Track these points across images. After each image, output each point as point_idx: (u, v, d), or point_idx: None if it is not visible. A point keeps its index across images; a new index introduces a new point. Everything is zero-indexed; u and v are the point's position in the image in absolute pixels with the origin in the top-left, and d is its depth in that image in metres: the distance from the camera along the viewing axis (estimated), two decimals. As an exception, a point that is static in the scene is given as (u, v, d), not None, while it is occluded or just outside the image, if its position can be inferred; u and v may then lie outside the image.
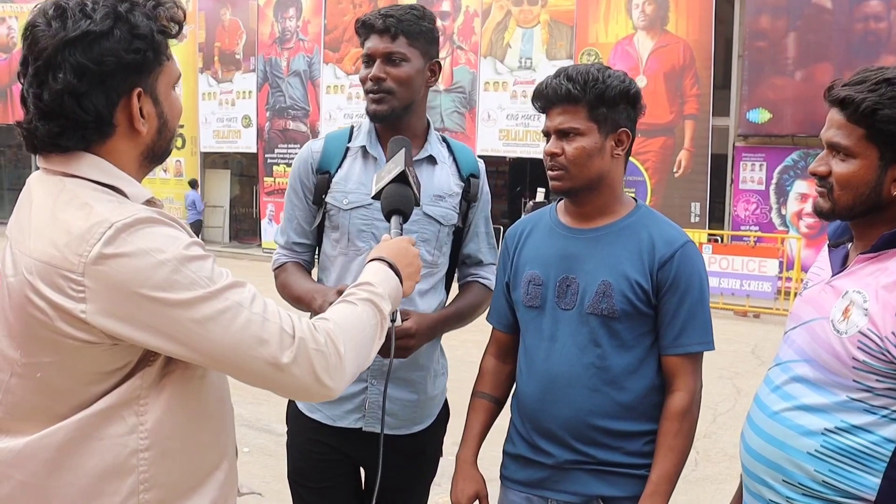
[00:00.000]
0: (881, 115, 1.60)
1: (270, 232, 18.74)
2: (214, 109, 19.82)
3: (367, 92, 2.23)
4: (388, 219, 1.93)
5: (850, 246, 1.78)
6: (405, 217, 1.93)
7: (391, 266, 1.67)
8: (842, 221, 1.80)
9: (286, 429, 2.41)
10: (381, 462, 1.82)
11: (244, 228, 21.10)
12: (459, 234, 2.38)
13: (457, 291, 2.44)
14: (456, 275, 2.46)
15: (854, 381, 1.62)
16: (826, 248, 1.87)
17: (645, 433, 2.01)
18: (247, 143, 19.44)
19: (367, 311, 1.53)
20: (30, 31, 1.35)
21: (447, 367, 2.46)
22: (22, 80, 1.38)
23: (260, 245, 19.10)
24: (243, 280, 1.40)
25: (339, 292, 1.80)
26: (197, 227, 18.02)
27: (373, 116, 2.24)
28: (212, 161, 20.96)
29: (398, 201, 1.92)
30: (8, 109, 23.46)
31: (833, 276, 1.76)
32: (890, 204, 1.66)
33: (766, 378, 1.85)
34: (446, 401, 2.46)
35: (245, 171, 21.19)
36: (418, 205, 1.99)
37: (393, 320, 1.62)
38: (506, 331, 2.22)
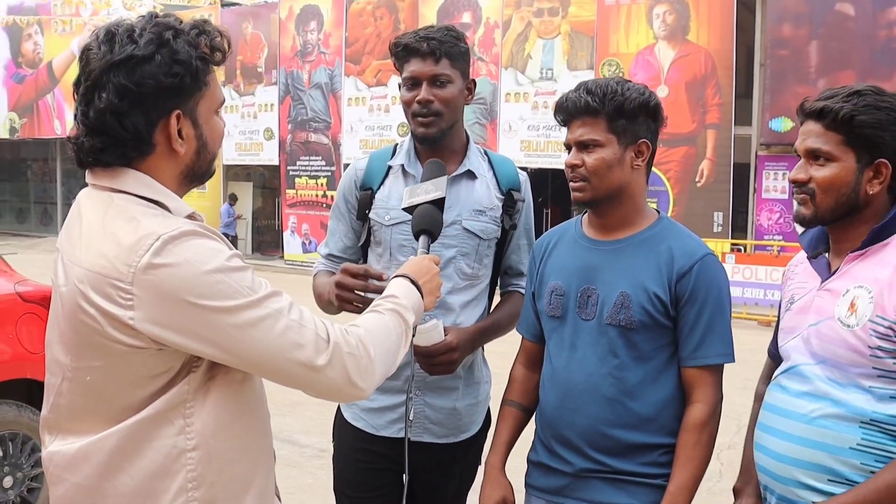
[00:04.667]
0: (858, 120, 1.77)
1: (293, 244, 18.85)
2: (237, 122, 20.00)
3: (414, 115, 2.27)
4: (416, 237, 2.03)
5: (828, 255, 1.91)
6: (433, 238, 2.03)
7: (414, 283, 1.78)
8: (821, 227, 1.93)
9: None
10: (409, 467, 1.93)
11: (266, 240, 21.25)
12: (501, 246, 2.43)
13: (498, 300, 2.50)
14: (498, 284, 2.52)
15: (874, 368, 1.74)
16: (798, 263, 2.02)
17: (661, 445, 2.03)
18: (269, 155, 19.59)
19: (393, 320, 1.65)
20: (84, 54, 1.46)
21: (490, 375, 2.51)
22: (75, 99, 1.48)
23: (282, 257, 19.21)
24: (280, 290, 1.48)
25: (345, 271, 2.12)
26: None
27: (422, 139, 2.30)
28: (234, 173, 21.16)
29: (429, 222, 2.02)
30: (34, 124, 23.80)
31: (824, 281, 1.87)
32: (867, 204, 1.82)
33: (776, 386, 1.94)
34: (489, 409, 2.50)
35: (267, 183, 21.37)
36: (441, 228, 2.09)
37: (414, 333, 1.74)
38: (534, 340, 2.26)
